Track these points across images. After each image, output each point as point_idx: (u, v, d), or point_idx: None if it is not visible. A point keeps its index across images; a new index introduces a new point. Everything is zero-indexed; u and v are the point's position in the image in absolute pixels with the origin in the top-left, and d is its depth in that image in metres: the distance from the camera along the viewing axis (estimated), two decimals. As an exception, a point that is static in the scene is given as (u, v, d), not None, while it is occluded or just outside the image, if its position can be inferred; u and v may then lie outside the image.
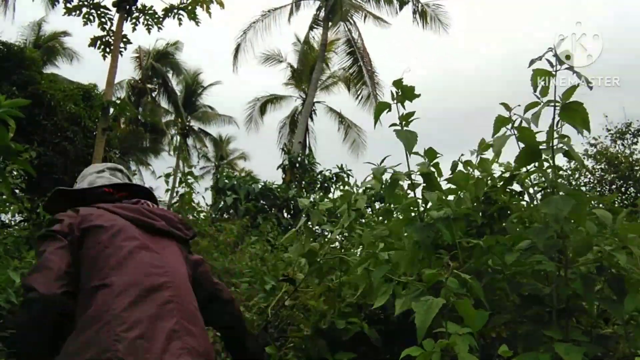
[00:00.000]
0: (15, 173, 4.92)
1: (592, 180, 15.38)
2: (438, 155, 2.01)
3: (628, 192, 14.68)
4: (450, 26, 19.61)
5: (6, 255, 3.77)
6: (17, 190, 5.90)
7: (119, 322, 1.28)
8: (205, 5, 9.55)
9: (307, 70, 22.65)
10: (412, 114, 1.93)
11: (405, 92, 1.92)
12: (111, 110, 9.81)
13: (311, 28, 22.11)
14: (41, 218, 4.58)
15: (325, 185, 13.61)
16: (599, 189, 14.93)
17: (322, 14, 21.07)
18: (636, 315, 1.70)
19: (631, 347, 1.70)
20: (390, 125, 1.95)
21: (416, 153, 1.97)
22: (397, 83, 1.92)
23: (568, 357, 1.52)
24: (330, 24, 20.63)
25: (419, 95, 1.91)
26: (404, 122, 1.93)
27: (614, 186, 14.99)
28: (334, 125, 23.69)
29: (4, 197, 4.25)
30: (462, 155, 2.25)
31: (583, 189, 14.77)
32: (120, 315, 1.29)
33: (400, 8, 19.94)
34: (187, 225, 1.76)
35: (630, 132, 15.96)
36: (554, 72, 1.61)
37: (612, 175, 14.87)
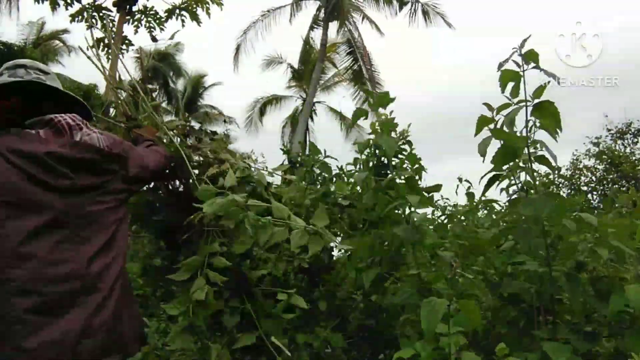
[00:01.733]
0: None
1: (592, 180, 15.34)
2: (419, 160, 2.17)
3: (629, 192, 14.60)
4: (450, 25, 19.68)
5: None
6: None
7: (21, 326, 1.16)
8: (205, 6, 9.55)
9: (308, 71, 22.64)
10: (392, 119, 2.06)
11: (379, 99, 2.02)
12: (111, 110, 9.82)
13: (311, 28, 22.08)
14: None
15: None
16: (600, 188, 14.90)
17: (322, 14, 21.06)
18: (622, 314, 1.71)
19: (620, 346, 1.71)
20: (370, 133, 2.12)
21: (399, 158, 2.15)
22: (369, 92, 2.17)
23: (555, 356, 1.54)
24: (330, 24, 20.60)
25: (393, 99, 1.99)
26: (383, 129, 2.05)
27: (615, 186, 14.93)
28: (336, 125, 23.74)
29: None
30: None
31: (584, 188, 14.76)
32: (23, 319, 1.17)
33: (400, 8, 19.92)
34: (117, 154, 1.49)
35: (630, 132, 15.94)
36: (521, 73, 1.64)
37: (614, 175, 14.82)
